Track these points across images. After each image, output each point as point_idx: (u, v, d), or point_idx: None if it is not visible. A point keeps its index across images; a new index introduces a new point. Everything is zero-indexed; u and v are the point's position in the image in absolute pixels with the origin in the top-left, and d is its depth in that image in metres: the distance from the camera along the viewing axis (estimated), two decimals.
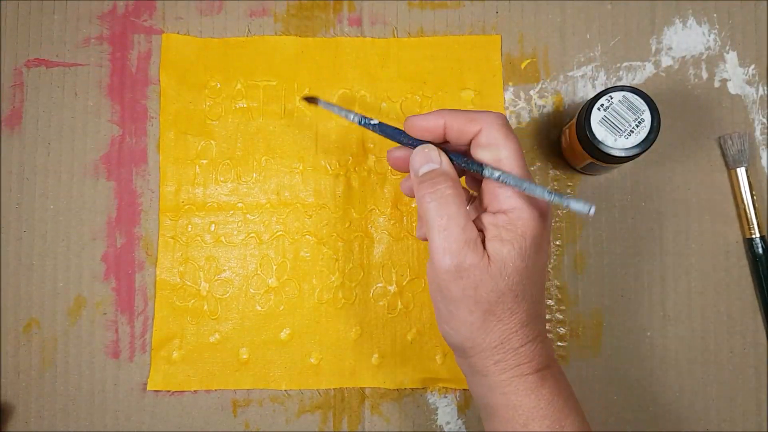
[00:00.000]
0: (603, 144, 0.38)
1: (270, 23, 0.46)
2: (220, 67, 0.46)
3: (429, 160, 0.33)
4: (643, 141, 0.38)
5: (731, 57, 0.46)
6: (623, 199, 0.45)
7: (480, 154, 0.32)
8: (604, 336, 0.44)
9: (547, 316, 0.44)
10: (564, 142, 0.44)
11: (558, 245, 0.45)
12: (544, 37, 0.46)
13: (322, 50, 0.46)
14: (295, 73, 0.46)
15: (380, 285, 0.45)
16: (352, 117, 0.36)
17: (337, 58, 0.46)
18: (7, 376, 0.44)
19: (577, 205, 0.30)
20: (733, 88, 0.45)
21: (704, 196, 0.45)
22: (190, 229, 0.45)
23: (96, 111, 0.46)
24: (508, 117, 0.46)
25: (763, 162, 0.45)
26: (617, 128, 0.38)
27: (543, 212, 0.32)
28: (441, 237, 0.31)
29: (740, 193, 0.44)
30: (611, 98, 0.38)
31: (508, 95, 0.46)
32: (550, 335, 0.44)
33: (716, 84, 0.46)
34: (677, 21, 0.46)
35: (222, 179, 0.45)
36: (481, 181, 0.34)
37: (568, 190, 0.45)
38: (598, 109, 0.39)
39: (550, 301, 0.45)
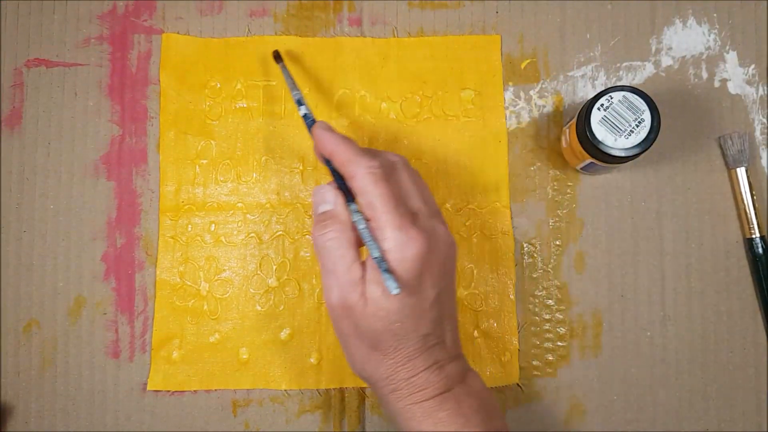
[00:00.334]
0: (603, 144, 0.38)
1: (270, 23, 0.46)
2: (220, 67, 0.46)
3: (324, 200, 0.35)
4: (643, 141, 0.38)
5: (731, 57, 0.46)
6: (623, 199, 0.45)
7: (355, 195, 0.34)
8: (604, 336, 0.44)
9: (547, 316, 0.44)
10: (564, 142, 0.44)
11: (558, 245, 0.45)
12: (544, 37, 0.46)
13: (322, 50, 0.46)
14: (295, 73, 0.46)
15: None
16: (293, 94, 0.40)
17: (337, 58, 0.46)
18: (7, 376, 0.44)
19: (389, 283, 0.31)
20: (733, 88, 0.45)
21: (704, 196, 0.45)
22: (190, 229, 0.45)
23: (96, 111, 0.46)
24: (507, 117, 0.46)
25: (763, 162, 0.45)
26: (617, 128, 0.38)
27: (419, 251, 0.32)
28: (328, 277, 0.34)
29: (740, 193, 0.44)
30: (611, 98, 0.39)
31: (508, 95, 0.46)
32: (549, 335, 0.44)
33: (716, 84, 0.46)
34: (677, 21, 0.46)
35: (222, 179, 0.45)
36: None
37: (568, 191, 0.45)
38: (598, 109, 0.39)
39: (550, 300, 0.45)
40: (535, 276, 0.45)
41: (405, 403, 0.34)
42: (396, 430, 0.36)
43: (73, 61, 0.46)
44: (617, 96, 0.39)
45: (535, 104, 0.46)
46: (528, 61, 0.46)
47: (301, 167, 0.45)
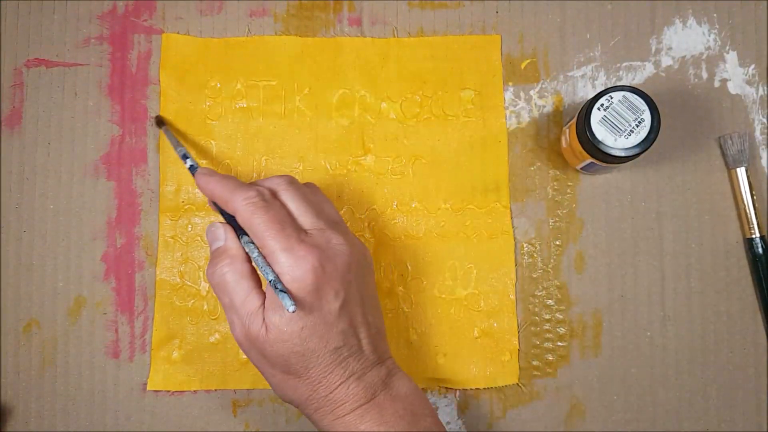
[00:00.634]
0: (603, 144, 0.38)
1: (270, 23, 0.46)
2: (220, 67, 0.46)
3: (215, 238, 0.36)
4: (643, 141, 0.38)
5: (731, 57, 0.46)
6: (623, 199, 0.45)
7: (244, 229, 0.35)
8: (604, 336, 0.44)
9: (547, 316, 0.44)
10: (564, 142, 0.44)
11: (558, 245, 0.45)
12: (544, 37, 0.46)
13: (322, 50, 0.46)
14: (295, 73, 0.46)
15: (380, 285, 0.45)
16: (177, 151, 0.41)
17: (337, 58, 0.46)
18: (7, 376, 0.44)
19: (285, 301, 0.31)
20: (733, 88, 0.45)
21: (704, 196, 0.45)
22: (190, 229, 0.45)
23: (96, 111, 0.46)
24: (507, 117, 0.46)
25: (763, 162, 0.45)
26: (617, 128, 0.38)
27: (311, 266, 0.33)
28: (228, 313, 0.35)
29: (740, 193, 0.44)
30: (611, 98, 0.39)
31: (508, 95, 0.46)
32: (549, 335, 0.44)
33: (716, 84, 0.46)
34: (677, 21, 0.46)
35: None
36: None
37: (568, 191, 0.45)
38: (598, 109, 0.39)
39: (550, 300, 0.45)
40: (535, 276, 0.45)
41: (329, 420, 0.34)
42: None
43: (73, 61, 0.46)
44: (617, 96, 0.39)
45: (535, 104, 0.46)
46: (528, 61, 0.46)
47: (301, 167, 0.45)
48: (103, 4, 0.46)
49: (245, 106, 0.46)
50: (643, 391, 0.44)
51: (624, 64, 0.46)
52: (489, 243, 0.45)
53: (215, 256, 0.36)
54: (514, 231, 0.45)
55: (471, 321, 0.44)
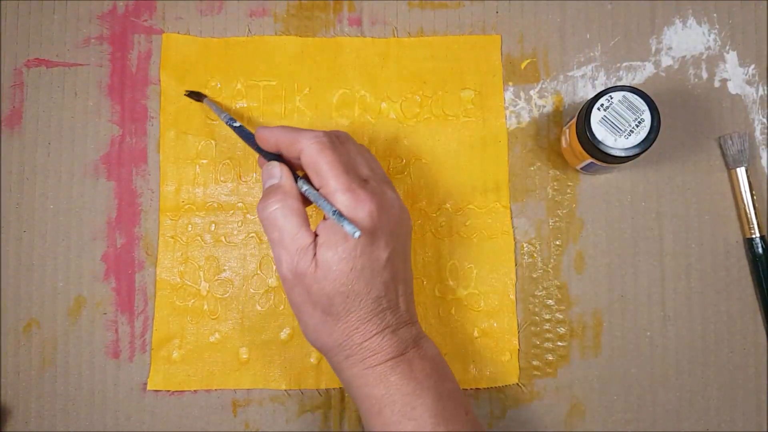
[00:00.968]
0: (603, 144, 0.38)
1: (270, 23, 0.46)
2: (220, 67, 0.46)
3: (270, 176, 0.36)
4: (643, 141, 0.38)
5: (731, 57, 0.46)
6: (623, 199, 0.45)
7: (305, 169, 0.35)
8: (604, 336, 0.44)
9: (547, 316, 0.44)
10: (564, 142, 0.44)
11: (558, 245, 0.45)
12: (544, 37, 0.46)
13: (322, 50, 0.46)
14: (295, 73, 0.46)
15: None
16: (222, 116, 0.41)
17: (337, 58, 0.46)
18: (7, 376, 0.44)
19: (348, 227, 0.32)
20: (733, 88, 0.45)
21: (704, 196, 0.45)
22: (190, 229, 0.45)
23: (96, 111, 0.46)
24: (507, 117, 0.46)
25: (763, 162, 0.45)
26: (617, 128, 0.38)
27: (370, 211, 0.34)
28: (276, 248, 0.35)
29: (740, 193, 0.44)
30: (611, 98, 0.39)
31: (508, 95, 0.46)
32: (549, 335, 0.44)
33: (716, 84, 0.46)
34: (677, 21, 0.46)
35: (222, 179, 0.45)
36: None
37: (568, 191, 0.45)
38: (598, 109, 0.39)
39: (550, 300, 0.45)
40: (535, 276, 0.45)
41: (359, 369, 0.35)
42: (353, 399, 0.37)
43: (73, 61, 0.46)
44: (617, 96, 0.39)
45: (535, 104, 0.46)
46: (528, 61, 0.46)
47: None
48: (103, 4, 0.46)
49: (245, 106, 0.46)
50: (643, 391, 0.44)
51: (624, 64, 0.46)
52: (489, 243, 0.45)
53: (269, 192, 0.36)
54: (514, 231, 0.45)
55: (471, 321, 0.44)
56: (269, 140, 0.37)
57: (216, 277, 0.45)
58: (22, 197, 0.45)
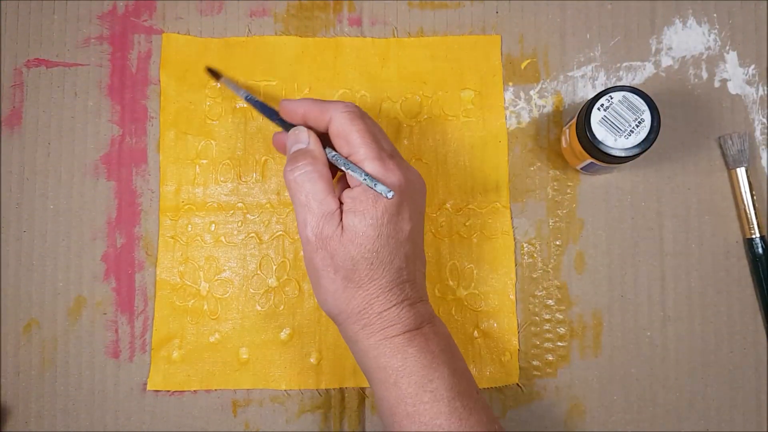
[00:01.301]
0: (603, 144, 0.38)
1: (270, 23, 0.46)
2: (220, 67, 0.46)
3: (298, 140, 0.36)
4: (643, 141, 0.38)
5: (731, 57, 0.46)
6: (623, 199, 0.45)
7: (333, 139, 0.36)
8: (604, 336, 0.44)
9: (547, 316, 0.44)
10: (564, 142, 0.44)
11: (558, 245, 0.45)
12: (544, 37, 0.46)
13: (322, 50, 0.46)
14: (295, 73, 0.46)
15: None
16: (241, 93, 0.41)
17: (337, 58, 0.46)
18: (7, 376, 0.44)
19: (381, 188, 0.33)
20: (733, 88, 0.45)
21: (704, 196, 0.45)
22: (190, 229, 0.45)
23: (96, 111, 0.46)
24: (507, 117, 0.46)
25: (763, 162, 0.45)
26: (617, 128, 0.38)
27: (399, 181, 0.34)
28: (302, 211, 0.35)
29: (740, 193, 0.44)
30: (611, 98, 0.38)
31: (508, 95, 0.46)
32: (549, 335, 0.44)
33: (716, 84, 0.46)
34: (677, 21, 0.46)
35: (222, 179, 0.45)
36: None
37: (568, 191, 0.45)
38: (598, 109, 0.39)
39: (550, 300, 0.45)
40: (535, 276, 0.45)
41: (376, 339, 0.35)
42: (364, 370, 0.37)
43: (73, 61, 0.46)
44: (617, 96, 0.39)
45: (535, 104, 0.46)
46: (528, 61, 0.46)
47: None
48: (103, 4, 0.46)
49: (245, 106, 0.46)
50: (643, 391, 0.44)
51: (624, 64, 0.46)
52: (489, 243, 0.45)
53: (296, 155, 0.36)
54: (514, 231, 0.45)
55: (471, 321, 0.44)
56: (297, 111, 0.37)
57: (216, 277, 0.45)
58: (22, 197, 0.45)
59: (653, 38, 0.46)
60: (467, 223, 0.45)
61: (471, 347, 0.44)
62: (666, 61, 0.46)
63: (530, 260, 0.45)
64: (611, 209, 0.45)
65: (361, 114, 0.36)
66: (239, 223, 0.45)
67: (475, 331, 0.44)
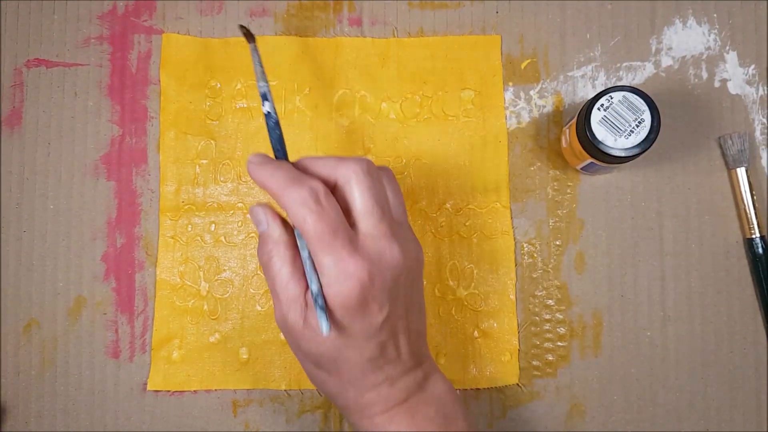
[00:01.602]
0: (603, 144, 0.38)
1: (270, 23, 0.46)
2: (220, 67, 0.46)
3: (258, 221, 0.34)
4: (643, 141, 0.38)
5: (731, 57, 0.46)
6: (623, 199, 0.45)
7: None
8: (604, 336, 0.44)
9: (547, 316, 0.44)
10: (564, 142, 0.44)
11: (558, 245, 0.45)
12: (544, 37, 0.46)
13: (322, 50, 0.46)
14: (295, 73, 0.46)
15: None
16: (259, 86, 0.36)
17: (337, 58, 0.46)
18: (7, 376, 0.44)
19: (321, 320, 0.31)
20: (733, 88, 0.45)
21: (704, 196, 0.45)
22: (190, 229, 0.45)
23: (96, 111, 0.46)
24: (507, 117, 0.46)
25: (763, 162, 0.45)
26: (617, 128, 0.38)
27: (359, 282, 0.31)
28: (272, 296, 0.33)
29: (740, 193, 0.44)
30: (611, 98, 0.38)
31: (508, 95, 0.46)
32: (549, 335, 0.44)
33: (716, 84, 0.46)
34: (677, 21, 0.46)
35: (222, 179, 0.45)
36: None
37: (568, 191, 0.45)
38: (598, 109, 0.39)
39: (550, 300, 0.45)
40: (535, 276, 0.45)
41: (357, 418, 0.34)
42: None
43: (73, 61, 0.46)
44: (617, 96, 0.39)
45: (535, 104, 0.46)
46: (528, 61, 0.46)
47: None
48: (103, 4, 0.47)
49: (245, 106, 0.46)
50: (643, 391, 0.44)
51: (624, 64, 0.46)
52: (489, 243, 0.45)
53: (261, 238, 0.34)
54: (514, 231, 0.45)
55: (471, 321, 0.44)
56: (256, 182, 0.33)
57: (216, 277, 0.45)
58: (22, 197, 0.45)
59: (653, 38, 0.46)
60: (467, 223, 0.45)
61: (471, 347, 0.44)
62: (666, 61, 0.46)
63: (530, 260, 0.45)
64: (611, 209, 0.45)
65: (317, 207, 0.31)
66: (239, 223, 0.45)
67: (475, 331, 0.44)
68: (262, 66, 0.37)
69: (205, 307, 0.45)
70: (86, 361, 0.44)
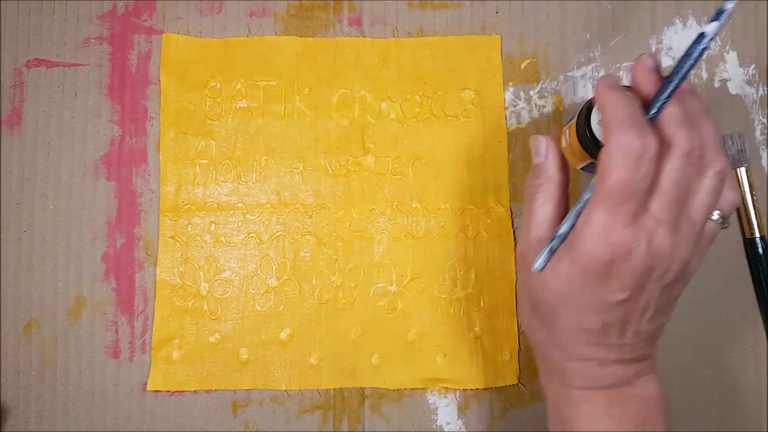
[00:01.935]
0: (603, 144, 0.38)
1: (270, 23, 0.47)
2: (220, 67, 0.46)
3: (536, 151, 0.34)
4: None
5: (731, 57, 0.46)
6: None
7: None
8: None
9: None
10: (564, 142, 0.44)
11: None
12: (544, 37, 0.46)
13: (322, 50, 0.46)
14: (295, 73, 0.46)
15: (380, 285, 0.45)
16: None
17: (337, 58, 0.46)
18: (7, 376, 0.44)
19: (540, 256, 0.30)
20: (733, 88, 0.45)
21: None
22: (190, 229, 0.45)
23: (96, 111, 0.46)
24: (507, 117, 0.46)
25: (763, 162, 0.45)
26: None
27: (611, 252, 0.29)
28: (524, 224, 0.33)
29: (740, 193, 0.44)
30: None
31: (508, 95, 0.46)
32: None
33: (716, 84, 0.46)
34: (677, 21, 0.46)
35: (222, 179, 0.45)
36: None
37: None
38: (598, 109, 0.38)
39: None
40: None
41: (554, 383, 0.33)
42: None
43: (73, 61, 0.46)
44: None
45: (535, 104, 0.46)
46: (528, 61, 0.46)
47: (301, 167, 0.45)
48: (103, 4, 0.47)
49: (245, 106, 0.46)
50: None
51: (624, 64, 0.46)
52: (489, 243, 0.45)
53: (534, 168, 0.34)
54: (514, 231, 0.45)
55: (471, 321, 0.44)
56: (597, 103, 0.31)
57: (216, 277, 0.45)
58: (22, 197, 0.45)
59: (653, 38, 0.46)
60: (467, 224, 0.45)
61: (471, 347, 0.44)
62: (666, 61, 0.46)
63: None
64: None
65: (635, 164, 0.28)
66: (239, 223, 0.45)
67: (475, 331, 0.44)
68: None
69: (205, 307, 0.45)
70: (86, 361, 0.44)
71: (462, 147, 0.46)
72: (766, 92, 0.45)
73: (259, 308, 0.45)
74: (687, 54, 0.30)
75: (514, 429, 0.44)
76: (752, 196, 0.44)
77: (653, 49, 0.46)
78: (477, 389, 0.44)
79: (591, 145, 0.39)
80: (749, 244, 0.44)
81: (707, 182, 0.30)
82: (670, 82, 0.30)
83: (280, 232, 0.45)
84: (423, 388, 0.44)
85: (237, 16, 0.47)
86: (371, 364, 0.44)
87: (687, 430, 0.43)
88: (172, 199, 0.45)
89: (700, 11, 0.46)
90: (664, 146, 0.29)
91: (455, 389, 0.44)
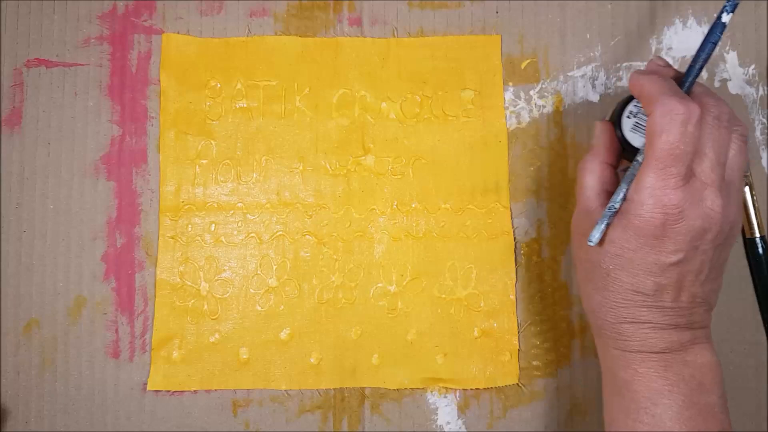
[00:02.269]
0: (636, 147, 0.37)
1: (270, 23, 0.47)
2: (220, 67, 0.46)
3: (595, 133, 0.37)
4: None
5: (731, 57, 0.46)
6: None
7: None
8: None
9: (547, 316, 0.44)
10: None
11: (558, 245, 0.45)
12: (544, 37, 0.46)
13: (322, 50, 0.46)
14: (295, 73, 0.46)
15: (380, 285, 0.45)
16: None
17: (337, 58, 0.46)
18: (7, 376, 0.44)
19: (595, 230, 0.33)
20: (733, 88, 0.45)
21: None
22: (190, 229, 0.45)
23: (96, 111, 0.46)
24: (507, 117, 0.46)
25: (763, 162, 0.45)
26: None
27: (663, 214, 0.31)
28: (577, 196, 0.36)
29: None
30: (638, 104, 0.37)
31: (508, 95, 0.46)
32: (549, 335, 0.44)
33: (716, 84, 0.46)
34: (677, 21, 0.46)
35: (222, 179, 0.45)
36: None
37: (568, 191, 0.45)
38: (628, 117, 0.37)
39: (550, 300, 0.44)
40: (535, 276, 0.45)
41: (610, 345, 0.34)
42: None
43: (73, 61, 0.46)
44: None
45: (535, 104, 0.46)
46: (528, 61, 0.46)
47: (301, 167, 0.45)
48: (103, 4, 0.47)
49: (245, 106, 0.46)
50: None
51: (624, 64, 0.46)
52: (489, 243, 0.45)
53: (591, 147, 0.37)
54: (514, 231, 0.45)
55: (471, 321, 0.44)
56: (633, 90, 0.35)
57: (216, 277, 0.45)
58: (22, 197, 0.45)
59: (653, 38, 0.46)
60: (467, 223, 0.45)
61: (471, 347, 0.44)
62: None
63: (530, 260, 0.45)
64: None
65: (681, 126, 0.31)
66: (239, 223, 0.45)
67: (475, 331, 0.44)
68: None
69: (205, 307, 0.45)
70: (86, 361, 0.44)
71: (462, 147, 0.46)
72: (766, 92, 0.45)
73: (259, 308, 0.45)
74: (707, 39, 0.35)
75: (514, 429, 0.44)
76: (752, 196, 0.44)
77: (653, 49, 0.46)
78: (477, 389, 0.44)
79: (631, 154, 0.36)
80: (749, 244, 0.44)
81: (735, 144, 0.33)
82: (694, 64, 0.35)
83: (280, 232, 0.45)
84: (423, 388, 0.44)
85: (237, 16, 0.47)
86: (371, 363, 0.44)
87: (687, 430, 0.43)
88: (172, 199, 0.45)
89: (700, 11, 0.46)
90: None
91: (455, 389, 0.44)
